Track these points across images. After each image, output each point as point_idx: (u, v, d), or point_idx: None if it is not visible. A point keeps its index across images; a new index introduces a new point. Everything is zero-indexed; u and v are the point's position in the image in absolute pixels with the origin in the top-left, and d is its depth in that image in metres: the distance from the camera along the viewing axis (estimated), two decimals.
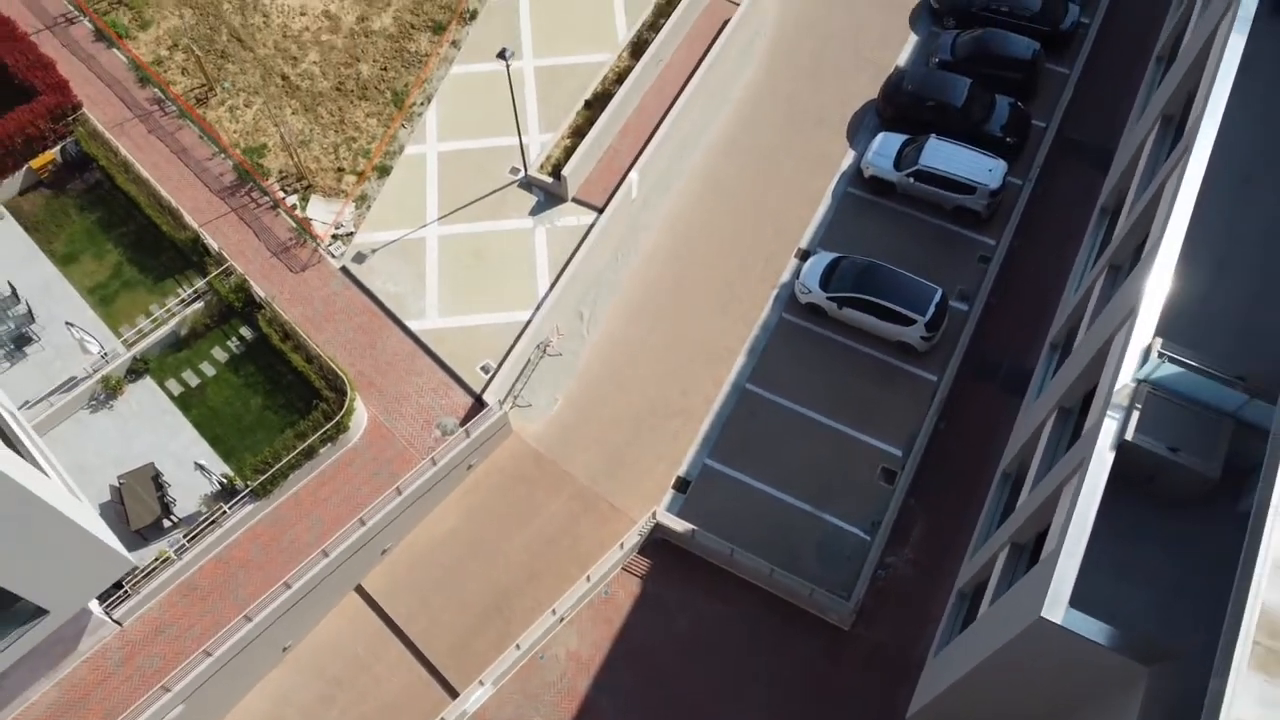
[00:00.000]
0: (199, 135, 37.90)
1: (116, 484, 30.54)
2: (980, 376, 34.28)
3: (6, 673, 26.88)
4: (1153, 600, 18.28)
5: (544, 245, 36.09)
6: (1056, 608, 16.75)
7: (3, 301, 33.07)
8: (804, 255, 36.51)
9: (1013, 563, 22.21)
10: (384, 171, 37.49)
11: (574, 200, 36.86)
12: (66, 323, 32.15)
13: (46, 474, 26.06)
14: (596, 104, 38.30)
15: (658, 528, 31.75)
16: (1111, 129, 37.35)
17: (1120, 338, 19.53)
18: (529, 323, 34.49)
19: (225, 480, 30.75)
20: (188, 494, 30.96)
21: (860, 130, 39.11)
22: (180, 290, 34.30)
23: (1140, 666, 16.64)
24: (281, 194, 36.74)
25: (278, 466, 30.47)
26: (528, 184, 37.24)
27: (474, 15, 41.04)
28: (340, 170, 37.36)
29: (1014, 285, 35.77)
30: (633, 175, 37.01)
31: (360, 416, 32.26)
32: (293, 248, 35.77)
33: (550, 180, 36.77)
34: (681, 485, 32.88)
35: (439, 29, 40.47)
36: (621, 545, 31.16)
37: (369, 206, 36.77)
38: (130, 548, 29.36)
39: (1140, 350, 18.68)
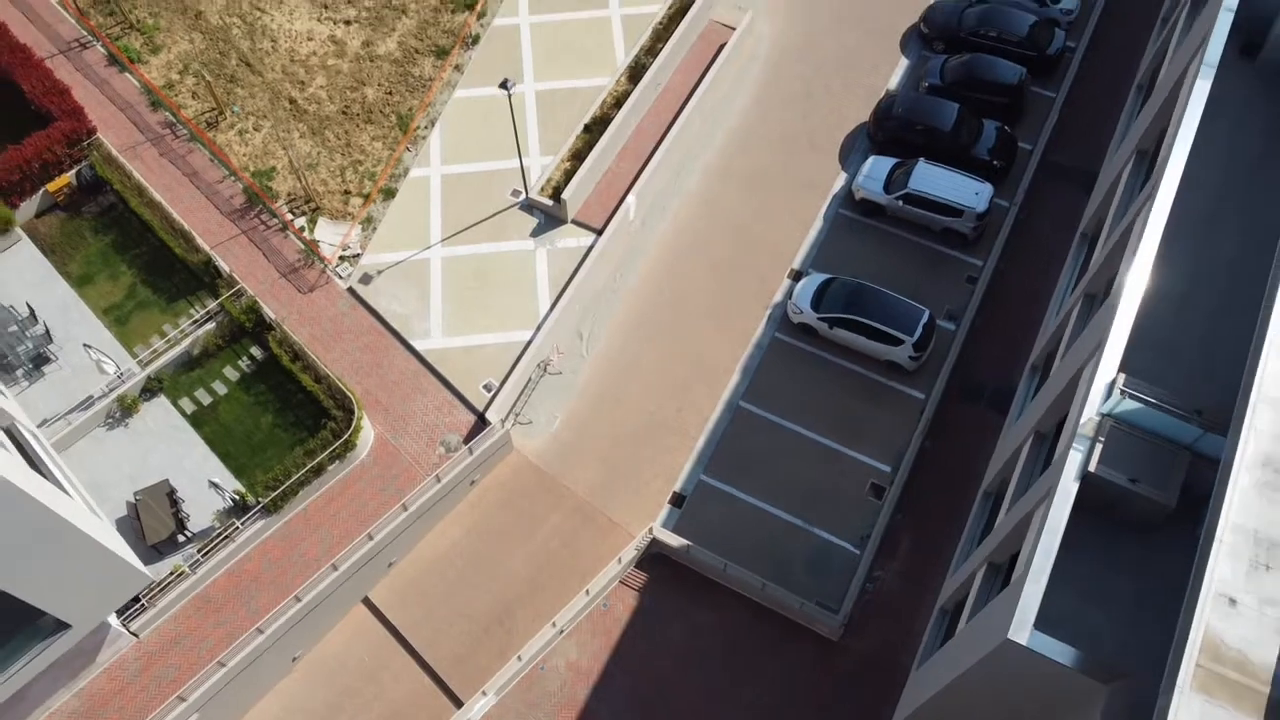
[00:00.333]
0: (209, 158, 39.09)
1: (133, 500, 31.73)
2: (966, 395, 35.45)
3: (29, 684, 28.06)
4: (1114, 620, 19.46)
5: (544, 266, 37.26)
6: (1022, 630, 17.90)
7: (21, 322, 34.18)
8: (796, 276, 37.66)
9: (989, 582, 23.38)
10: (389, 194, 38.68)
11: (574, 222, 38.03)
12: (84, 344, 33.35)
13: (68, 493, 27.27)
14: (595, 128, 39.47)
15: (654, 543, 32.92)
16: (1096, 152, 38.48)
17: (1088, 372, 20.69)
18: (530, 342, 35.65)
19: (237, 496, 31.92)
20: (201, 510, 32.13)
21: (852, 153, 40.26)
22: (193, 311, 35.48)
23: (1100, 685, 17.81)
24: (290, 216, 37.92)
25: (288, 483, 31.64)
26: (529, 206, 38.40)
27: (476, 40, 42.22)
28: (347, 193, 38.54)
29: (1000, 306, 36.92)
30: (630, 198, 38.17)
31: (367, 435, 33.44)
32: (301, 269, 36.94)
33: (550, 202, 37.93)
34: (677, 500, 34.03)
35: (442, 54, 41.65)
36: (619, 560, 32.33)
37: (375, 228, 37.94)
38: (146, 562, 30.67)
39: (1105, 385, 19.84)
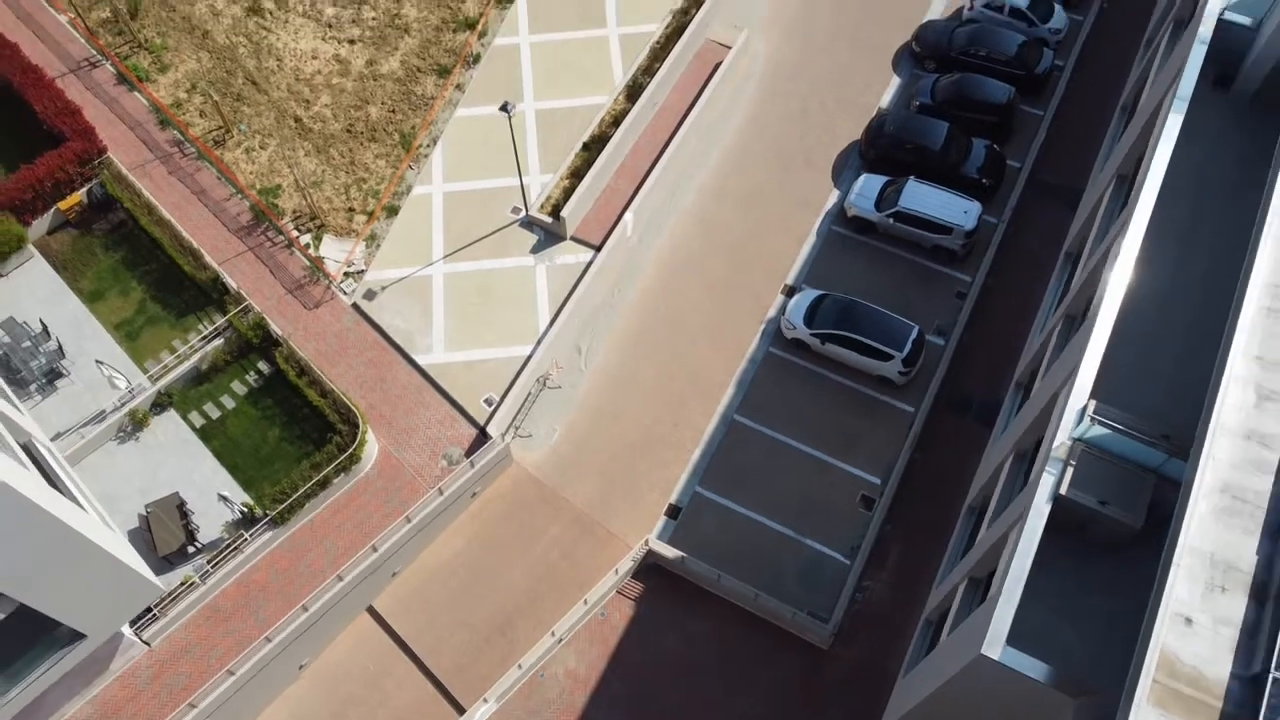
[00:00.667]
0: (217, 176, 40.04)
1: (144, 512, 32.71)
2: (955, 409, 36.39)
3: (46, 691, 29.05)
4: (1084, 636, 20.42)
5: (544, 282, 38.21)
6: (995, 646, 18.86)
7: (35, 338, 35.12)
8: (790, 292, 38.60)
9: (969, 596, 24.33)
10: (393, 211, 39.64)
11: (572, 239, 38.97)
12: (97, 361, 34.35)
13: (83, 508, 28.27)
14: (594, 146, 40.40)
15: (650, 554, 33.87)
16: (1082, 170, 39.39)
17: (1062, 397, 21.63)
18: (530, 357, 36.61)
19: (245, 509, 32.90)
20: (210, 522, 33.10)
21: (845, 171, 41.19)
22: (201, 327, 36.45)
23: (1069, 699, 18.76)
24: (295, 233, 38.87)
25: (295, 496, 32.61)
26: (529, 223, 39.35)
27: (477, 59, 43.16)
28: (351, 210, 39.50)
29: (987, 321, 37.86)
30: (628, 215, 39.13)
31: (371, 448, 34.41)
32: (306, 285, 37.90)
33: (550, 220, 38.88)
34: (673, 512, 34.98)
35: (444, 73, 42.59)
36: (616, 571, 33.30)
37: (379, 245, 38.91)
38: (158, 572, 31.62)
39: (1077, 411, 20.79)
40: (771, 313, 38.27)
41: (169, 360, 35.53)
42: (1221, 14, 26.08)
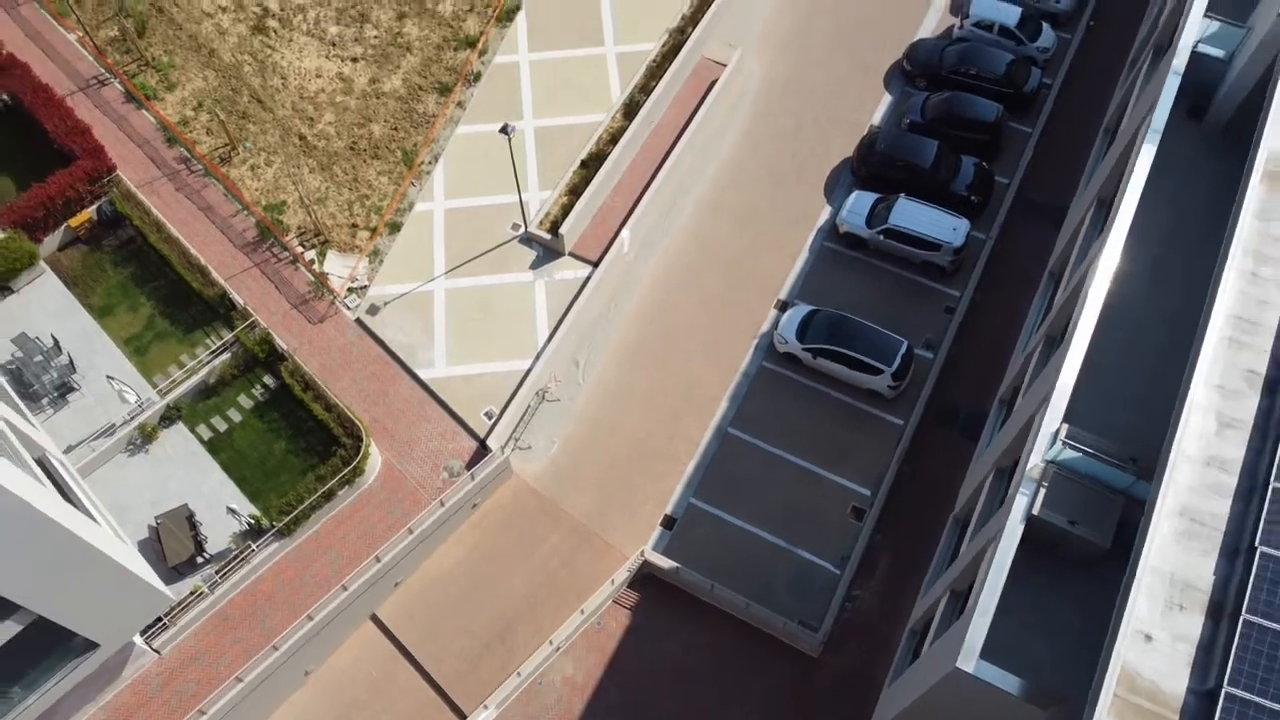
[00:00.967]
0: (223, 193, 40.99)
1: (154, 524, 33.68)
2: (943, 422, 37.34)
3: (61, 699, 30.03)
4: (1055, 650, 21.39)
5: (543, 297, 39.17)
6: (969, 659, 19.82)
7: (47, 352, 36.06)
8: (783, 306, 39.54)
9: (950, 608, 25.29)
10: (395, 228, 40.59)
11: (571, 255, 39.92)
12: (107, 376, 35.30)
13: (96, 521, 29.24)
14: (592, 163, 41.35)
15: (645, 564, 34.83)
16: (1068, 188, 40.28)
17: (1037, 420, 22.59)
18: (529, 371, 37.57)
19: (252, 520, 33.86)
20: (218, 533, 34.07)
21: (837, 187, 42.13)
22: (209, 341, 37.40)
23: (1039, 711, 19.71)
24: (300, 249, 39.82)
25: (301, 507, 33.56)
26: (528, 239, 40.30)
27: (478, 77, 44.10)
28: (354, 226, 40.46)
29: (975, 335, 38.81)
30: (625, 231, 40.07)
31: (375, 461, 35.38)
32: (311, 300, 38.86)
33: (549, 236, 39.83)
34: (668, 522, 35.93)
35: (445, 90, 43.54)
36: (613, 581, 34.26)
37: (381, 261, 39.86)
38: (167, 582, 32.58)
39: (1050, 434, 21.75)
40: (764, 327, 39.22)
41: (177, 374, 36.46)
42: (1195, 46, 27.00)
